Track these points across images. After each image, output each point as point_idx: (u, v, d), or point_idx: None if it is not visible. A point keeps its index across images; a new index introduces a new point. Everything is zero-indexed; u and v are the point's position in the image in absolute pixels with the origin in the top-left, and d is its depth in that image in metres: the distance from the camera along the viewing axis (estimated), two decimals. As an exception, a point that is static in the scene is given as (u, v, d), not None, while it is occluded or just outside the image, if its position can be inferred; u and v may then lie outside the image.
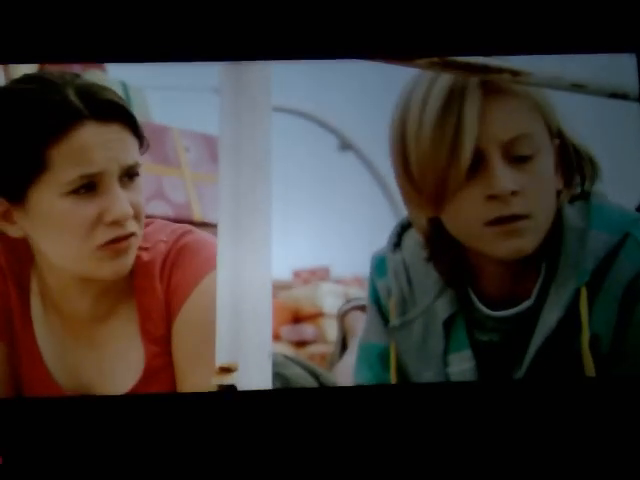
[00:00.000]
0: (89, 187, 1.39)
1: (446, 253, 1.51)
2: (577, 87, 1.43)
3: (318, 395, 1.64)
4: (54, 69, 1.60)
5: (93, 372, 1.50)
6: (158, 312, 1.47)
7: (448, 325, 1.51)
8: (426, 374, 1.53)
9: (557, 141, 1.45)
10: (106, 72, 1.69)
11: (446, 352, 1.51)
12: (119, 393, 1.48)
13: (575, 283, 1.44)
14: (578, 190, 1.47)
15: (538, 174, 1.42)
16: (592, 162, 1.46)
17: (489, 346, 1.51)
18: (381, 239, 1.73)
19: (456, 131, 1.42)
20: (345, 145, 1.96)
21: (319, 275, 2.05)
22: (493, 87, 1.42)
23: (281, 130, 1.56)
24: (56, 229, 1.40)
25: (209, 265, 1.48)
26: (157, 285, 1.47)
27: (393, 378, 1.56)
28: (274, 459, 1.58)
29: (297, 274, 2.06)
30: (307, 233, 1.73)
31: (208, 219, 2.00)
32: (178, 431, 1.58)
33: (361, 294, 2.13)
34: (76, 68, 1.67)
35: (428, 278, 1.53)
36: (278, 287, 1.75)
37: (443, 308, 1.51)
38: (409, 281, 1.54)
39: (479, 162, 1.42)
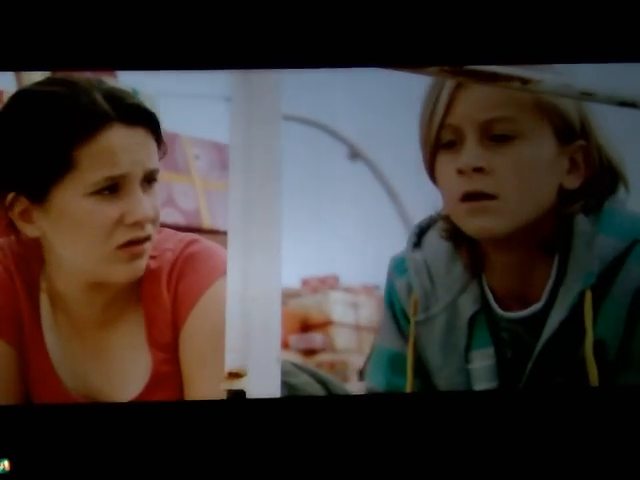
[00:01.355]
0: (112, 189, 1.41)
1: (464, 240, 1.52)
2: (586, 95, 1.42)
3: (327, 403, 1.64)
4: (66, 74, 1.61)
5: (101, 377, 1.50)
6: (165, 320, 1.47)
7: (471, 322, 1.51)
8: (447, 370, 1.53)
9: (581, 142, 1.44)
10: (117, 79, 1.70)
11: (468, 349, 1.52)
12: (126, 399, 1.49)
13: (581, 285, 1.44)
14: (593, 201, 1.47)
15: (518, 159, 1.43)
16: (618, 178, 1.46)
17: (505, 345, 1.50)
18: (390, 248, 1.73)
19: (432, 109, 1.49)
20: (355, 154, 1.96)
21: (328, 283, 2.04)
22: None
23: (290, 138, 1.56)
24: (77, 229, 1.41)
25: (216, 274, 1.48)
26: (164, 293, 1.47)
27: (409, 376, 1.56)
28: (282, 467, 1.58)
29: (306, 282, 2.05)
30: (316, 241, 1.73)
31: (217, 226, 2.00)
32: (186, 439, 1.58)
33: (370, 303, 2.13)
34: (87, 75, 1.67)
35: (450, 276, 1.54)
36: (287, 295, 1.74)
37: (467, 305, 1.52)
38: (431, 278, 1.55)
39: (458, 140, 1.46)
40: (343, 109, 1.76)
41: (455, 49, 1.62)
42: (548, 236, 1.47)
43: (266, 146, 1.48)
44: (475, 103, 1.46)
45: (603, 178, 1.46)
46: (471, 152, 1.44)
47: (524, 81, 1.40)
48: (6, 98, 1.51)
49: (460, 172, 1.45)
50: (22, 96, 1.46)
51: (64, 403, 1.51)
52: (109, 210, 1.41)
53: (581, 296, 1.45)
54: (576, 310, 1.45)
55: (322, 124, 1.93)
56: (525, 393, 1.53)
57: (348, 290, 2.08)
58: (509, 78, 1.41)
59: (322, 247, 1.75)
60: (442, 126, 1.48)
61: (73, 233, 1.42)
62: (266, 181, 1.48)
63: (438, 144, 1.49)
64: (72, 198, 1.40)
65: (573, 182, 1.46)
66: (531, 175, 1.43)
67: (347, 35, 1.68)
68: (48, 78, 1.51)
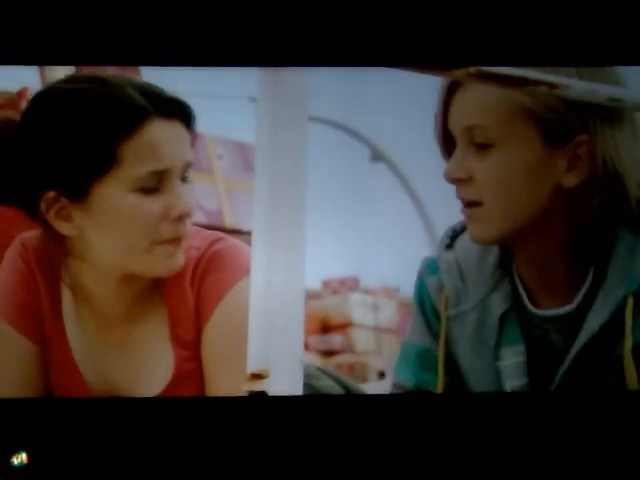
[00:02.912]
0: (155, 183, 1.40)
1: None
2: (613, 101, 1.42)
3: (348, 403, 1.64)
4: (90, 71, 1.61)
5: (123, 374, 1.50)
6: (188, 317, 1.47)
7: (502, 320, 1.52)
8: (477, 366, 1.54)
9: (583, 137, 1.44)
10: (141, 77, 1.70)
11: (498, 346, 1.52)
12: (148, 396, 1.49)
13: (623, 291, 1.46)
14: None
15: (496, 166, 1.44)
16: (621, 180, 1.46)
17: (536, 342, 1.52)
18: (411, 249, 1.73)
19: (436, 113, 1.51)
20: (377, 156, 1.96)
21: (348, 285, 2.05)
22: (472, 77, 1.46)
23: (313, 139, 1.56)
24: (120, 225, 1.40)
25: (240, 272, 1.48)
26: (188, 291, 1.47)
27: (441, 374, 1.56)
28: (300, 466, 1.58)
29: (326, 283, 2.06)
30: (337, 243, 1.73)
31: (239, 226, 2.01)
32: (205, 435, 1.59)
33: (390, 305, 2.13)
34: (111, 71, 1.68)
35: (480, 274, 1.55)
36: (307, 296, 1.74)
37: (498, 303, 1.53)
38: (462, 277, 1.56)
39: (455, 146, 1.48)
40: (366, 110, 1.76)
41: (481, 51, 1.62)
42: (570, 240, 1.48)
43: (292, 147, 1.48)
44: (460, 110, 1.48)
45: (608, 177, 1.46)
46: (453, 162, 1.47)
47: (552, 86, 1.40)
48: (30, 94, 1.50)
49: (447, 180, 1.47)
50: (51, 94, 1.44)
51: (84, 397, 1.52)
52: (153, 205, 1.40)
53: (622, 301, 1.46)
54: (617, 315, 1.46)
55: (344, 125, 1.93)
56: (558, 395, 1.53)
57: (368, 292, 2.09)
58: (537, 83, 1.40)
59: (343, 249, 1.75)
60: (442, 132, 1.51)
61: (116, 229, 1.41)
62: (291, 182, 1.48)
63: (444, 150, 1.52)
64: (116, 194, 1.40)
65: (573, 180, 1.45)
66: (512, 180, 1.44)
67: (371, 36, 1.68)
68: (73, 76, 1.50)
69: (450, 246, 1.58)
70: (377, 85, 1.67)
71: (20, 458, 1.57)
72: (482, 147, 1.45)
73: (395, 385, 1.61)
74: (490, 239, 1.49)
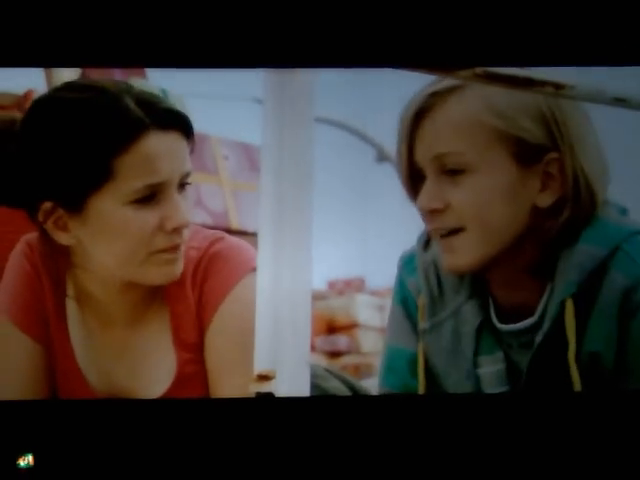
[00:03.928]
0: (151, 196, 1.40)
1: None
2: (618, 101, 1.42)
3: (354, 404, 1.64)
4: (96, 73, 1.61)
5: (126, 376, 1.50)
6: (190, 320, 1.47)
7: (479, 328, 1.51)
8: (455, 376, 1.52)
9: (553, 155, 1.43)
10: (147, 79, 1.70)
11: (477, 354, 1.51)
12: (151, 398, 1.49)
13: (562, 295, 1.44)
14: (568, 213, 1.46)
15: (471, 191, 1.43)
16: (591, 193, 1.45)
17: (509, 352, 1.51)
18: (417, 251, 1.72)
19: (399, 148, 1.49)
20: (382, 157, 1.96)
21: (354, 286, 2.04)
22: (431, 105, 1.45)
23: (319, 140, 1.56)
24: (116, 236, 1.40)
25: (241, 272, 1.48)
26: (189, 293, 1.47)
27: (421, 382, 1.55)
28: (307, 466, 1.58)
29: (332, 284, 2.05)
30: (343, 244, 1.73)
31: (245, 227, 2.01)
32: (213, 435, 1.59)
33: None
34: (117, 73, 1.68)
35: (458, 280, 1.52)
36: (313, 297, 1.74)
37: (473, 313, 1.51)
38: (439, 282, 1.54)
39: (422, 177, 1.46)
40: (371, 111, 1.76)
41: (487, 52, 1.62)
42: (537, 256, 1.47)
43: (298, 148, 1.48)
44: (428, 139, 1.46)
45: (578, 192, 1.45)
46: (426, 193, 1.46)
47: (558, 86, 1.40)
48: (35, 97, 1.50)
49: (421, 212, 1.46)
50: (48, 103, 1.44)
51: (88, 399, 1.52)
52: (148, 217, 1.40)
53: (563, 306, 1.44)
54: (559, 321, 1.44)
55: (350, 126, 1.93)
56: (519, 399, 1.53)
57: (374, 293, 2.08)
58: (543, 83, 1.40)
59: (349, 250, 1.75)
60: (408, 165, 1.49)
61: (112, 241, 1.41)
62: (297, 183, 1.48)
63: (409, 186, 1.50)
64: (111, 207, 1.40)
65: (547, 199, 1.44)
66: (490, 204, 1.43)
67: (377, 37, 1.68)
68: (72, 84, 1.49)
69: (428, 243, 1.55)
70: (383, 86, 1.67)
71: (26, 460, 1.57)
72: (455, 173, 1.44)
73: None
74: (468, 267, 1.47)
